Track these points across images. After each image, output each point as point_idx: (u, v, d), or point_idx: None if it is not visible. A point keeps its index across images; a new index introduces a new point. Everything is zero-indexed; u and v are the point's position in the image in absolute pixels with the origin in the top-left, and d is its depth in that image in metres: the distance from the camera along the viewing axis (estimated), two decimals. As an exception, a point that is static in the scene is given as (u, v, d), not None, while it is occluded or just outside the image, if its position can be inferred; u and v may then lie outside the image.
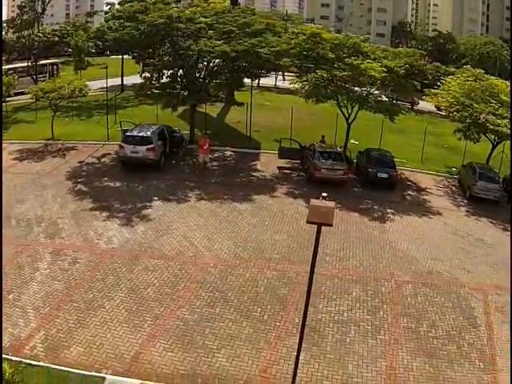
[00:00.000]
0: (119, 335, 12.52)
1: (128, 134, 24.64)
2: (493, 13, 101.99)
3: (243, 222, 19.46)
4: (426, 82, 33.98)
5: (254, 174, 25.47)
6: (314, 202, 9.30)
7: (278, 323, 13.42)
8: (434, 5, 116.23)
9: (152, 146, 23.75)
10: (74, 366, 11.31)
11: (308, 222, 9.08)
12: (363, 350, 12.71)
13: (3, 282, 13.84)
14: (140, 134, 24.37)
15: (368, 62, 26.25)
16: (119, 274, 15.20)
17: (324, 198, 9.34)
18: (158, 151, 24.20)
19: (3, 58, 43.67)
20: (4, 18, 54.21)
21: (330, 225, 9.07)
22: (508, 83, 30.15)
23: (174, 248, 17.04)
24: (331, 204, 9.24)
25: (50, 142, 29.59)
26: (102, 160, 26.32)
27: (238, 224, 19.26)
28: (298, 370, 10.67)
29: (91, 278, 14.90)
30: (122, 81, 47.65)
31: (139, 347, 12.15)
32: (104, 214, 19.43)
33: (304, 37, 27.69)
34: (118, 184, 22.78)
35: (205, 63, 28.56)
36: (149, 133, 24.43)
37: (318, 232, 9.13)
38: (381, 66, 26.09)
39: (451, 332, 13.78)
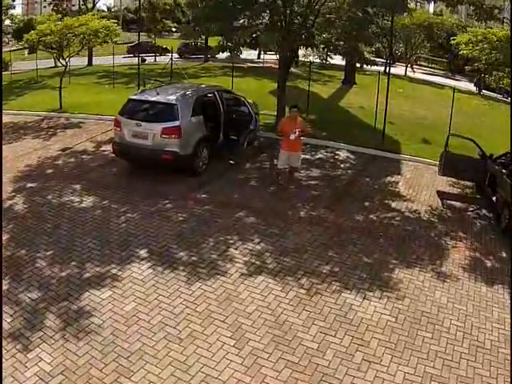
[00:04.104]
0: None
1: (133, 97, 11.98)
2: None
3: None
4: None
5: (392, 204, 11.54)
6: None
7: None
8: None
9: (176, 124, 10.87)
10: None
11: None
12: None
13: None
14: (154, 99, 11.54)
15: None
16: None
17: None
18: (192, 137, 11.24)
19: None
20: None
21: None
22: None
23: None
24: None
25: (53, 114, 18.76)
26: (102, 148, 14.15)
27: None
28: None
29: None
30: (206, 50, 44.03)
31: None
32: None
33: None
34: (86, 203, 10.18)
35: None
36: (173, 97, 11.58)
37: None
38: None
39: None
